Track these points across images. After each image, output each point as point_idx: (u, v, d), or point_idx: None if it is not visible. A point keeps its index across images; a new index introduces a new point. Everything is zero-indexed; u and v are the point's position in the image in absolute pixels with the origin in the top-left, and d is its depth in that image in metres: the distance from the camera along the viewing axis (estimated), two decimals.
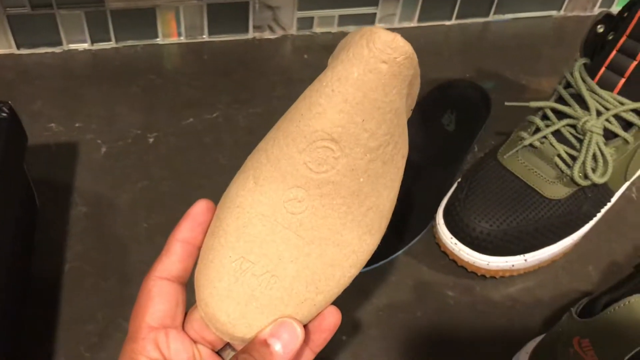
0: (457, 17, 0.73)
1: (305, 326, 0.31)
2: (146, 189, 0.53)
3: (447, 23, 0.73)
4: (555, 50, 0.72)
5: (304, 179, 0.32)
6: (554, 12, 0.76)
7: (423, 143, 0.57)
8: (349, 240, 0.33)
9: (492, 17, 0.74)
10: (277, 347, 0.30)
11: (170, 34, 0.66)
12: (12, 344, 0.42)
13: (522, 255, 0.48)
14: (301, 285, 0.31)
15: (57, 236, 0.49)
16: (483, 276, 0.50)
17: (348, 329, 0.46)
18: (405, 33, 0.70)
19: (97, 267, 0.48)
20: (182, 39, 0.66)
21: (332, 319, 0.32)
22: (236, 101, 0.61)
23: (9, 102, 0.43)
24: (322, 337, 0.32)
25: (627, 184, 0.54)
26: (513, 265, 0.49)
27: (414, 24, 0.72)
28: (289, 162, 0.32)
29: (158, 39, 0.66)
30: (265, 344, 0.30)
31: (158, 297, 0.31)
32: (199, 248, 0.33)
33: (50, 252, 0.48)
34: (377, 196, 0.34)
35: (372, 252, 0.35)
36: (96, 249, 0.49)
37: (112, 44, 0.65)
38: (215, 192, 0.53)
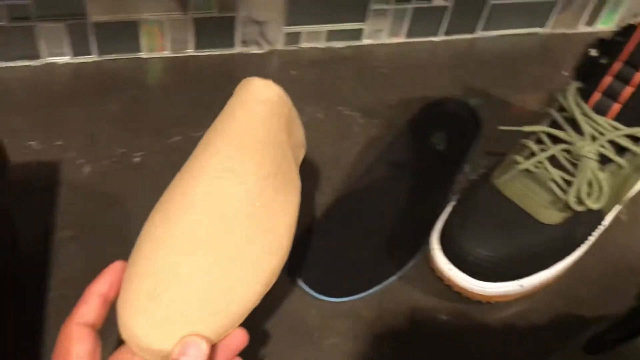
0: (445, 34, 0.73)
1: (215, 344, 0.35)
2: (133, 211, 0.51)
3: (435, 39, 0.73)
4: (541, 67, 0.73)
5: (207, 206, 0.36)
6: (539, 29, 0.77)
7: (413, 162, 0.57)
8: (253, 259, 0.37)
9: (479, 34, 0.74)
10: None
11: (155, 48, 0.64)
12: None
13: (517, 281, 0.48)
14: (210, 303, 0.35)
15: (39, 263, 0.47)
16: (478, 301, 0.49)
17: (344, 357, 0.45)
18: (393, 49, 0.70)
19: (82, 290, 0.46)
20: (167, 53, 0.65)
21: (238, 340, 0.36)
22: None
23: None
24: (228, 356, 0.36)
25: (617, 207, 0.54)
26: (508, 291, 0.48)
27: (401, 39, 0.72)
28: (194, 193, 0.37)
29: (142, 53, 0.64)
30: None
31: (79, 340, 0.34)
32: (112, 302, 0.37)
33: (33, 280, 0.46)
34: (274, 220, 0.38)
35: (277, 270, 0.39)
36: (82, 275, 0.47)
37: (94, 57, 0.63)
38: None
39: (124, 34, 0.62)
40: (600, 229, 0.52)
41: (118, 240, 0.49)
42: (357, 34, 0.69)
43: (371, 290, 0.49)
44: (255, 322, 0.46)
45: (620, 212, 0.57)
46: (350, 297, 0.48)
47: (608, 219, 0.54)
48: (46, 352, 0.43)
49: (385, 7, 0.67)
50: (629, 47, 0.48)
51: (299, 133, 0.46)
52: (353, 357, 0.45)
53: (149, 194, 0.52)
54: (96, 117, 0.58)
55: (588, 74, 0.52)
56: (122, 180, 0.53)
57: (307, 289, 0.48)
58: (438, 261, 0.49)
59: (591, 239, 0.52)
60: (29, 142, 0.55)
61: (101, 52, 0.63)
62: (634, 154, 0.49)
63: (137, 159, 0.55)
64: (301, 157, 0.47)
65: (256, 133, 0.39)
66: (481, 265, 0.47)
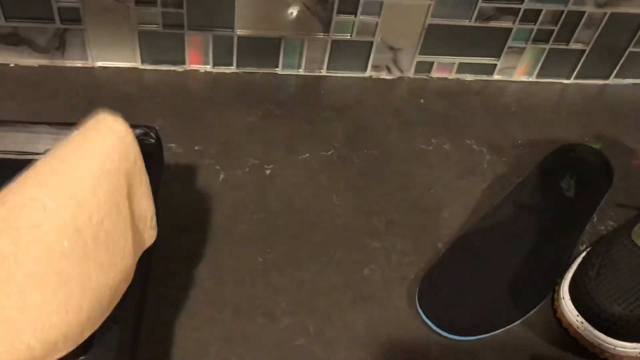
0: (577, 77, 0.71)
1: None
2: (262, 222, 0.53)
3: (565, 81, 0.71)
4: None
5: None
6: None
7: (541, 206, 0.55)
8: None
9: (611, 80, 0.72)
10: None
11: (291, 65, 0.66)
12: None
13: None
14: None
15: (173, 262, 0.49)
16: (605, 359, 0.47)
17: None
18: (522, 87, 0.69)
19: (212, 297, 0.47)
20: (301, 72, 0.66)
21: None
22: (351, 140, 0.61)
23: (156, 127, 0.43)
24: None
25: None
26: None
27: (532, 78, 0.70)
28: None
29: (278, 69, 0.66)
30: None
31: None
32: None
33: (165, 277, 0.48)
34: (84, 272, 0.33)
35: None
36: (211, 278, 0.49)
37: (232, 68, 0.65)
38: (329, 232, 0.53)
39: (264, 49, 0.64)
40: None
41: (247, 249, 0.51)
42: (489, 69, 0.69)
43: (494, 333, 0.48)
44: (376, 351, 0.46)
45: None
46: (472, 336, 0.47)
47: None
48: (175, 352, 0.45)
49: (523, 44, 0.66)
50: None
51: (145, 205, 0.39)
52: None
53: (278, 207, 0.54)
54: (232, 127, 0.60)
55: None
56: (253, 190, 0.55)
57: (430, 323, 0.48)
58: (568, 312, 0.47)
59: None
60: (170, 144, 0.57)
61: (240, 65, 0.65)
62: None
63: (268, 171, 0.56)
64: (148, 241, 0.41)
65: (88, 167, 0.34)
66: (616, 323, 0.45)
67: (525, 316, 0.49)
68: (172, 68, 0.64)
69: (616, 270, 0.47)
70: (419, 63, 0.67)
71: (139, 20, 0.60)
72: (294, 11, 0.60)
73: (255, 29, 0.62)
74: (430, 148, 0.61)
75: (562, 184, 0.58)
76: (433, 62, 0.67)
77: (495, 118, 0.66)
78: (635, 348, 0.46)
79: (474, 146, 0.62)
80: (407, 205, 0.56)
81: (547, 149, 0.61)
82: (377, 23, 0.63)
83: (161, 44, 0.62)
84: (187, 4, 0.59)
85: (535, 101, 0.69)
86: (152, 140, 0.41)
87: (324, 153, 0.59)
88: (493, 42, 0.66)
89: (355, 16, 0.62)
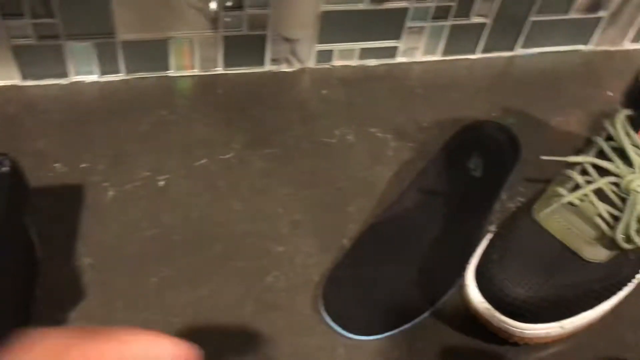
0: (483, 51, 0.70)
1: None
2: (156, 238, 0.50)
3: (472, 57, 0.70)
4: (584, 86, 0.69)
5: None
6: (582, 47, 0.73)
7: (448, 189, 0.54)
8: None
9: (517, 52, 0.71)
10: None
11: (184, 66, 0.62)
12: None
13: (558, 322, 0.45)
14: None
15: (59, 290, 0.46)
16: (515, 342, 0.46)
17: None
18: (428, 67, 0.68)
19: (100, 324, 0.44)
20: (196, 71, 0.63)
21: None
22: (252, 140, 0.58)
23: (8, 155, 0.39)
24: None
25: None
26: (549, 333, 0.45)
27: (437, 57, 0.69)
28: None
29: (170, 71, 0.63)
30: None
31: None
32: None
33: (52, 307, 0.45)
34: None
35: None
36: (101, 305, 0.46)
37: (121, 75, 0.62)
38: (229, 241, 0.50)
39: (152, 52, 0.60)
40: None
41: (140, 269, 0.48)
42: (391, 52, 0.67)
43: (401, 328, 0.46)
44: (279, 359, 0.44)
45: None
46: (379, 335, 0.46)
47: None
48: None
49: (422, 24, 0.65)
50: None
51: None
52: None
53: (174, 221, 0.51)
54: (122, 138, 0.56)
55: (638, 100, 0.49)
56: (146, 205, 0.52)
57: (335, 326, 0.46)
58: (473, 299, 0.46)
59: (638, 277, 0.48)
60: (54, 165, 0.54)
61: (129, 71, 0.61)
62: None
63: (161, 183, 0.54)
64: None
65: None
66: (520, 306, 0.44)
67: (433, 307, 0.48)
68: (56, 82, 0.60)
69: (518, 252, 0.46)
70: (319, 52, 0.65)
71: (9, 34, 0.56)
72: (177, 9, 0.57)
73: (139, 33, 0.58)
74: (334, 141, 0.59)
75: (469, 164, 0.57)
76: (332, 50, 0.65)
77: (401, 102, 0.64)
78: (543, 329, 0.45)
79: (379, 134, 0.60)
80: (312, 203, 0.54)
81: (454, 130, 0.59)
82: (267, 15, 0.60)
83: (39, 57, 0.58)
84: (59, 13, 0.55)
85: (441, 81, 0.67)
86: (5, 169, 0.38)
87: (223, 157, 0.56)
88: (391, 24, 0.64)
89: (242, 10, 0.59)
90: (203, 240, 0.50)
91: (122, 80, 0.62)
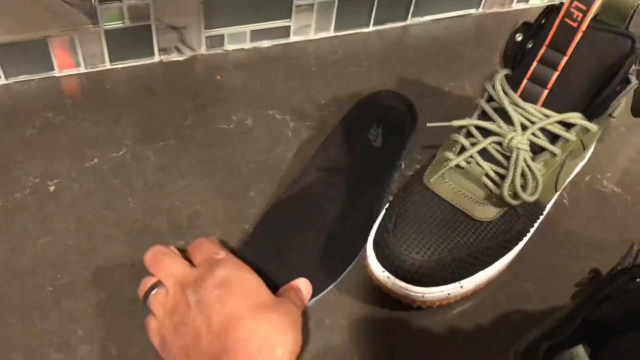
0: (375, 24, 0.70)
1: None
2: (49, 246, 0.48)
3: (365, 30, 0.70)
4: (476, 50, 0.71)
5: None
6: (472, 10, 0.75)
7: (348, 163, 0.54)
8: None
9: (410, 21, 0.72)
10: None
11: (67, 65, 0.60)
12: None
13: (457, 283, 0.46)
14: None
15: None
16: (419, 307, 0.47)
17: None
18: (322, 44, 0.67)
19: None
20: (82, 69, 0.61)
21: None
22: (144, 134, 0.57)
23: None
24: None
25: (557, 194, 0.53)
26: (449, 294, 0.46)
27: (330, 33, 0.69)
28: None
29: (54, 72, 0.60)
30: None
31: None
32: None
33: None
34: None
35: None
36: None
37: (2, 81, 0.59)
38: (127, 241, 0.49)
39: (32, 53, 0.58)
40: (541, 219, 0.51)
41: (34, 281, 0.46)
42: (284, 32, 0.66)
43: (307, 305, 0.47)
44: None
45: (561, 196, 0.56)
46: None
47: (548, 208, 0.52)
48: None
49: (310, 1, 0.64)
50: (552, 31, 0.46)
51: None
52: None
53: (67, 225, 0.49)
54: (7, 147, 0.54)
55: (515, 60, 0.50)
56: (36, 212, 0.50)
57: None
58: (373, 269, 0.46)
59: (532, 231, 0.50)
60: None
61: (9, 75, 0.59)
62: (566, 140, 0.48)
63: (52, 188, 0.52)
64: None
65: None
66: (418, 271, 0.45)
67: (336, 282, 0.48)
68: None
69: (412, 218, 0.46)
70: (210, 38, 0.64)
71: None
72: (53, 7, 0.55)
73: (13, 34, 0.56)
74: (232, 126, 0.59)
75: (369, 135, 0.57)
76: (223, 35, 0.64)
77: (297, 82, 0.64)
78: (442, 291, 0.46)
79: (277, 115, 0.60)
80: (211, 193, 0.53)
81: (351, 105, 0.60)
82: (148, 5, 0.58)
83: None
84: None
85: (336, 57, 0.67)
86: None
87: (115, 154, 0.55)
88: (280, 4, 0.64)
89: (121, 2, 0.57)
90: (99, 242, 0.49)
91: (3, 85, 0.59)
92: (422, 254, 0.45)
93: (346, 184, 0.53)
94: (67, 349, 0.43)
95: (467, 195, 0.47)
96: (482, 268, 0.47)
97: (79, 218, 0.50)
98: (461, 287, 0.47)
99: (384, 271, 0.46)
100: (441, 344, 0.46)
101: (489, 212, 0.47)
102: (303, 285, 0.46)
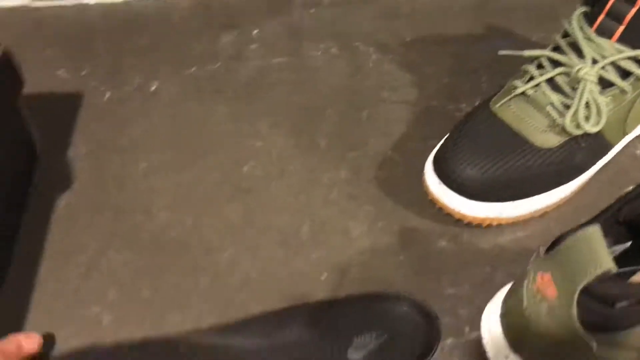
0: None
1: None
2: (146, 133, 0.55)
3: None
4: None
5: None
6: None
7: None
8: None
9: None
10: None
11: None
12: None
13: (510, 203, 0.48)
14: None
15: (56, 176, 0.52)
16: (470, 224, 0.49)
17: (328, 268, 0.47)
18: None
19: (92, 202, 0.50)
20: None
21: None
22: (239, 52, 0.62)
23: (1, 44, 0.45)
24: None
25: (627, 138, 0.53)
26: (500, 213, 0.48)
27: None
28: None
29: None
30: None
31: None
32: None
33: (48, 189, 0.51)
34: None
35: None
36: (93, 186, 0.51)
37: None
38: (211, 138, 0.55)
39: None
40: (606, 159, 0.51)
41: (129, 157, 0.53)
42: None
43: None
44: (250, 236, 0.48)
45: (635, 147, 0.56)
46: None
47: (615, 150, 0.52)
48: (44, 257, 0.47)
49: None
50: None
51: None
52: (338, 270, 0.47)
53: (162, 120, 0.56)
54: (121, 51, 0.61)
55: None
56: (138, 105, 0.57)
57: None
58: (429, 182, 0.49)
59: (594, 168, 0.51)
60: (57, 72, 0.59)
61: None
62: (638, 78, 0.48)
63: (153, 87, 0.58)
64: None
65: None
66: (471, 185, 0.47)
67: None
68: (62, 3, 0.66)
69: (472, 138, 0.49)
70: None
71: None
72: None
73: None
74: (319, 53, 0.63)
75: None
76: None
77: (385, 21, 0.67)
78: (494, 208, 0.48)
79: (361, 47, 0.64)
80: (293, 108, 0.58)
81: (435, 46, 0.62)
82: None
83: None
84: None
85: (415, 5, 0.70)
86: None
87: (211, 67, 0.61)
88: None
89: None
90: (186, 137, 0.55)
91: (124, 2, 0.67)
92: (478, 169, 0.47)
93: None
94: (149, 214, 0.50)
95: (530, 123, 0.48)
96: (537, 193, 0.49)
97: (172, 115, 0.57)
98: (514, 207, 0.48)
99: (440, 184, 0.48)
100: (486, 261, 0.48)
101: (550, 140, 0.48)
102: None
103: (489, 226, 0.49)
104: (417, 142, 0.55)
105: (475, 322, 0.44)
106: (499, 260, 0.48)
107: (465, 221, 0.49)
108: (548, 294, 0.34)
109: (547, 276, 0.34)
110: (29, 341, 0.40)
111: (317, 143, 0.55)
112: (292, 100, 0.58)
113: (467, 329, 0.45)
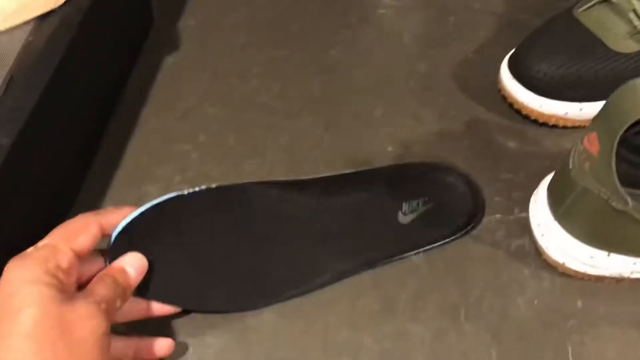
0: None
1: None
2: (249, 16, 0.60)
3: None
4: None
5: None
6: None
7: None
8: None
9: None
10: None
11: None
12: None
13: (578, 103, 0.50)
14: None
15: (166, 37, 0.58)
16: (536, 122, 0.51)
17: (394, 142, 0.51)
18: None
19: (195, 64, 0.56)
20: None
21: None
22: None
23: None
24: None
25: None
26: (567, 113, 0.50)
27: None
28: None
29: None
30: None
31: (87, 234, 0.35)
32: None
33: (159, 47, 0.57)
34: None
35: None
36: (197, 51, 0.57)
37: None
38: (307, 22, 0.59)
39: None
40: None
41: (232, 33, 0.59)
42: None
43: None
44: (327, 112, 0.52)
45: None
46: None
47: None
48: (149, 101, 0.54)
49: None
50: None
51: None
52: (401, 146, 0.51)
53: (264, 3, 0.61)
54: None
55: None
56: None
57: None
58: (502, 76, 0.52)
59: None
60: None
61: None
62: None
63: None
64: None
65: None
66: (542, 79, 0.49)
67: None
68: None
69: (550, 38, 0.50)
70: None
71: None
72: None
73: None
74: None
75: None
76: None
77: None
78: (561, 106, 0.50)
79: None
80: (381, 7, 0.62)
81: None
82: None
83: None
84: None
85: None
86: None
87: None
88: None
89: None
90: (284, 22, 0.60)
91: None
92: (550, 65, 0.49)
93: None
94: (243, 79, 0.56)
95: (611, 29, 0.50)
96: (605, 99, 0.50)
97: (273, 3, 0.62)
98: (581, 109, 0.50)
99: (511, 78, 0.51)
100: (546, 155, 0.50)
101: (629, 46, 0.49)
102: (131, 263, 0.36)
103: (555, 126, 0.52)
104: (498, 49, 0.57)
105: (525, 205, 0.47)
106: (558, 157, 0.50)
107: (532, 117, 0.51)
108: (592, 149, 0.36)
109: (593, 135, 0.37)
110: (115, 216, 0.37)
111: (401, 39, 0.59)
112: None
113: (516, 209, 0.48)
